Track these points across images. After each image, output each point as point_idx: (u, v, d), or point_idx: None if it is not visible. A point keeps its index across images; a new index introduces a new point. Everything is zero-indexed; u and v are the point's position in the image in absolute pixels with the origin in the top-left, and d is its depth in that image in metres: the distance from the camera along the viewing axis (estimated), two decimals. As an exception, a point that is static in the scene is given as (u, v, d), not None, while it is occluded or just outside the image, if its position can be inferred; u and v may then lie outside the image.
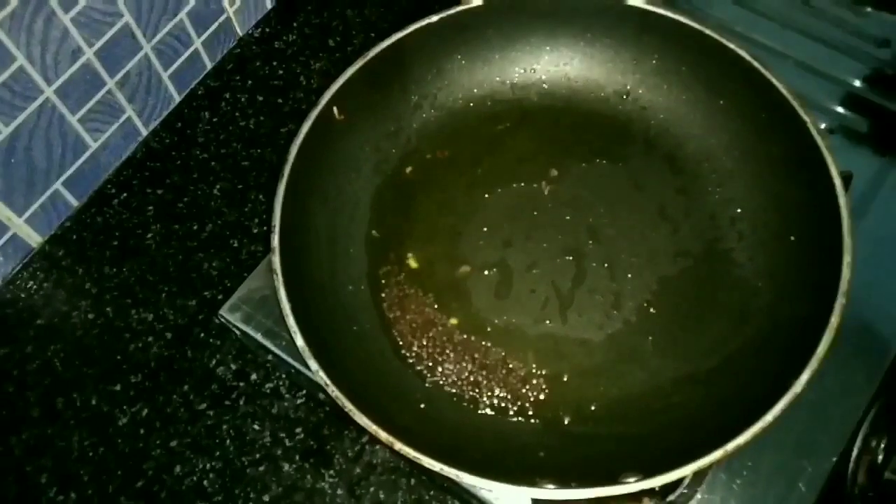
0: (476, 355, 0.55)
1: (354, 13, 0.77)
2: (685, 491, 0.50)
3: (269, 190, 0.54)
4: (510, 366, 0.55)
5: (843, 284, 0.48)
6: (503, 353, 0.55)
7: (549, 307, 0.57)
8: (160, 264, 0.64)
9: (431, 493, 0.55)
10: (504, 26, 0.63)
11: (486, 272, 0.58)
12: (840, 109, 0.66)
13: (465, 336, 0.56)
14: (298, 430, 0.58)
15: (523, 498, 0.45)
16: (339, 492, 0.55)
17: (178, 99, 0.72)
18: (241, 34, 0.75)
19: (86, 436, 0.58)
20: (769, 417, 0.45)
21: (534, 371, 0.55)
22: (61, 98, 0.60)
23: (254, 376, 0.60)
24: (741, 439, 0.44)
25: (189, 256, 0.65)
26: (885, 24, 0.71)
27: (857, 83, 0.68)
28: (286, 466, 0.56)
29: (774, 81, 0.55)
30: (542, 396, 0.54)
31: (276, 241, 0.51)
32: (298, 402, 0.58)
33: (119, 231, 0.66)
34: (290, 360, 0.56)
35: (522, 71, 0.65)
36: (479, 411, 0.53)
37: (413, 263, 0.59)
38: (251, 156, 0.69)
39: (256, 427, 0.58)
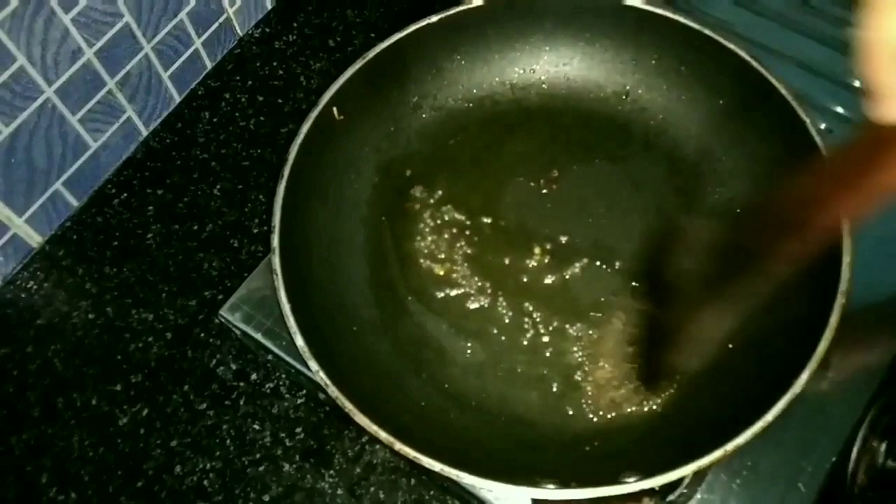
0: (477, 356, 0.55)
1: (354, 13, 0.77)
2: (685, 491, 0.50)
3: (270, 190, 0.54)
4: (510, 366, 0.55)
5: (843, 284, 0.48)
6: (504, 355, 0.55)
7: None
8: (160, 264, 0.64)
9: (431, 493, 0.55)
10: (504, 26, 0.63)
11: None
12: (840, 109, 0.66)
13: (465, 336, 0.56)
14: (298, 429, 0.58)
15: (523, 498, 0.45)
16: (340, 492, 0.55)
17: (178, 99, 0.72)
18: (241, 34, 0.75)
19: (86, 436, 0.58)
20: (769, 417, 0.44)
21: (534, 371, 0.55)
22: (61, 98, 0.60)
23: (254, 376, 0.60)
24: (741, 439, 0.44)
25: (189, 256, 0.65)
26: (884, 24, 0.71)
27: (857, 83, 0.68)
28: (286, 466, 0.56)
29: (773, 81, 0.55)
30: (542, 397, 0.54)
31: (276, 241, 0.51)
32: (298, 401, 0.58)
33: (119, 231, 0.66)
34: (290, 359, 0.56)
35: (522, 71, 0.65)
36: (480, 411, 0.53)
37: (413, 264, 0.59)
38: (251, 156, 0.69)
39: (256, 427, 0.58)
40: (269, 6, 0.77)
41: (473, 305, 0.57)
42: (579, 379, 0.54)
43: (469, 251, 0.59)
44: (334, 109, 0.57)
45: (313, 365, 0.47)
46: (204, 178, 0.68)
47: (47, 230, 0.66)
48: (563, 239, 0.59)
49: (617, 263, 0.58)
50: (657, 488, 0.46)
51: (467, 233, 0.60)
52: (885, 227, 0.60)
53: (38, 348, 0.61)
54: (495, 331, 0.56)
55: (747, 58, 0.56)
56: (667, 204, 0.60)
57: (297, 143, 0.54)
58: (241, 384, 0.59)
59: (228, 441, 0.57)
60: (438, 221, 0.60)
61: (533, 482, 0.44)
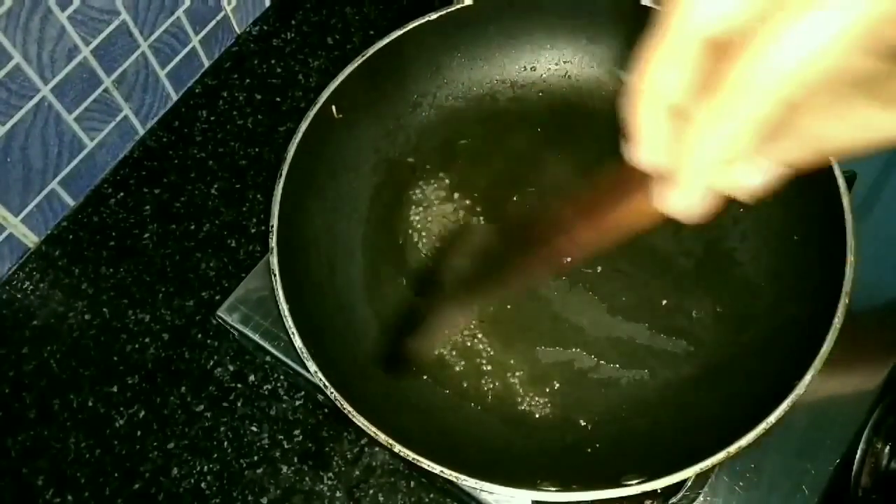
0: (477, 357, 0.55)
1: (353, 11, 0.77)
2: (687, 493, 0.50)
3: (267, 189, 0.53)
4: (512, 368, 0.54)
5: (847, 285, 0.48)
6: (504, 356, 0.55)
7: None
8: (157, 264, 0.64)
9: (431, 495, 0.54)
10: (504, 24, 0.62)
11: (486, 272, 0.58)
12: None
13: (465, 338, 0.56)
14: (297, 431, 0.57)
15: (524, 500, 0.45)
16: (338, 494, 0.55)
17: (175, 97, 0.71)
18: (238, 32, 0.75)
19: (82, 438, 0.57)
20: (772, 418, 0.44)
21: (535, 374, 0.54)
22: (57, 97, 0.59)
23: (252, 377, 0.59)
24: (744, 440, 0.44)
25: (186, 256, 0.64)
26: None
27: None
28: (284, 469, 0.56)
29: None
30: (543, 399, 0.53)
31: (273, 241, 0.51)
32: (297, 403, 0.58)
33: (116, 231, 0.65)
34: (288, 361, 0.55)
35: (523, 69, 0.64)
36: (480, 414, 0.53)
37: (412, 264, 0.58)
38: (249, 155, 0.69)
39: (254, 429, 0.57)
40: (267, 4, 0.76)
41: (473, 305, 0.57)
42: (582, 380, 0.54)
43: (468, 251, 0.59)
44: (333, 108, 0.57)
45: (312, 366, 0.47)
46: (201, 177, 0.68)
47: (43, 230, 0.65)
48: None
49: (618, 262, 0.58)
50: (659, 491, 0.46)
51: (467, 233, 0.59)
52: (888, 226, 0.60)
53: (34, 349, 0.61)
54: (496, 331, 0.56)
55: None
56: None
57: (295, 142, 0.54)
58: (239, 386, 0.59)
59: (226, 443, 0.57)
60: (438, 221, 0.60)
61: (534, 484, 0.44)
